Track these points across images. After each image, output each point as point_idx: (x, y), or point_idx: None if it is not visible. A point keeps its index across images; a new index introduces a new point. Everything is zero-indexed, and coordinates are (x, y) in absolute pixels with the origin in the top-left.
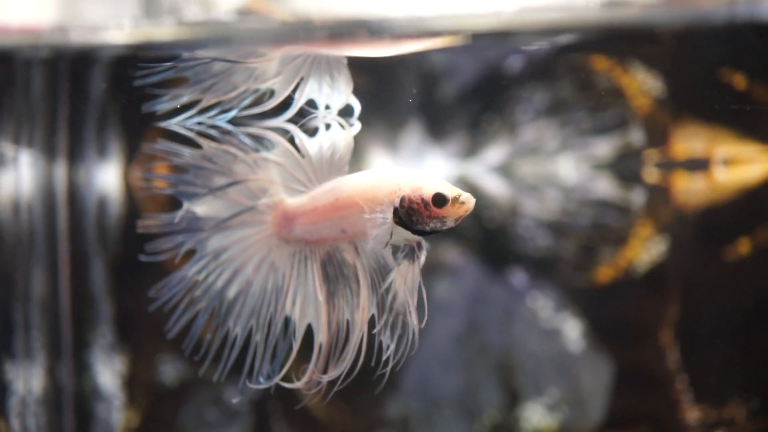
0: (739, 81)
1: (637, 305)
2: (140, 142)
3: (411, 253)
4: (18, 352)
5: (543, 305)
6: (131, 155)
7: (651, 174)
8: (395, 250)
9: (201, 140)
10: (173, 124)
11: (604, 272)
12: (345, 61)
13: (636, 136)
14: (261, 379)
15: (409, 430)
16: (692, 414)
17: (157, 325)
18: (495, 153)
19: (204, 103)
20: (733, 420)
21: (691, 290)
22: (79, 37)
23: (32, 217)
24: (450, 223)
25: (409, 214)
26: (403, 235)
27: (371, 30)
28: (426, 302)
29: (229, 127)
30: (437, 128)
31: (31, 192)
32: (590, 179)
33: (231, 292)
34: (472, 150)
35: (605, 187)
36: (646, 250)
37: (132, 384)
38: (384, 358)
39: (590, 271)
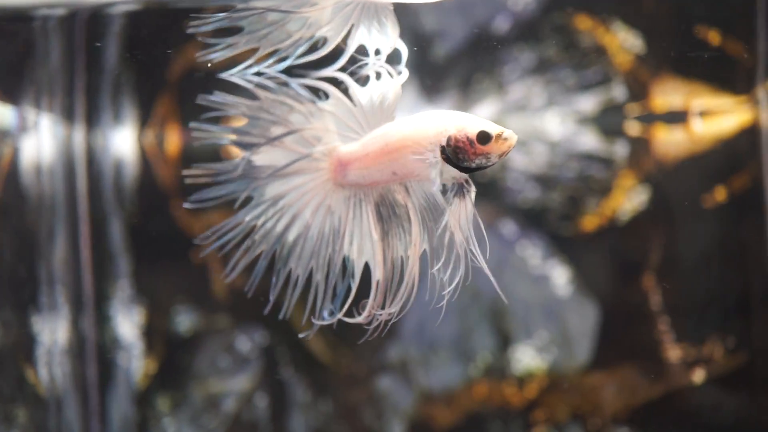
0: (714, 36)
1: (620, 252)
2: (153, 106)
3: (460, 189)
4: (43, 305)
5: (532, 253)
6: (145, 119)
7: (632, 127)
8: (444, 190)
9: (257, 91)
10: (232, 75)
11: (590, 221)
12: (391, 7)
13: (618, 91)
14: (325, 315)
15: (408, 372)
16: (674, 353)
17: (172, 278)
18: (485, 110)
19: (260, 53)
20: (711, 357)
21: (672, 237)
22: None
23: (53, 179)
24: (494, 159)
25: (456, 152)
26: (451, 173)
27: None
28: (485, 234)
29: (285, 78)
30: (430, 87)
31: (51, 156)
32: (575, 133)
33: (291, 236)
34: (463, 108)
35: (589, 140)
36: (629, 199)
37: (150, 334)
38: (443, 292)
39: (576, 220)
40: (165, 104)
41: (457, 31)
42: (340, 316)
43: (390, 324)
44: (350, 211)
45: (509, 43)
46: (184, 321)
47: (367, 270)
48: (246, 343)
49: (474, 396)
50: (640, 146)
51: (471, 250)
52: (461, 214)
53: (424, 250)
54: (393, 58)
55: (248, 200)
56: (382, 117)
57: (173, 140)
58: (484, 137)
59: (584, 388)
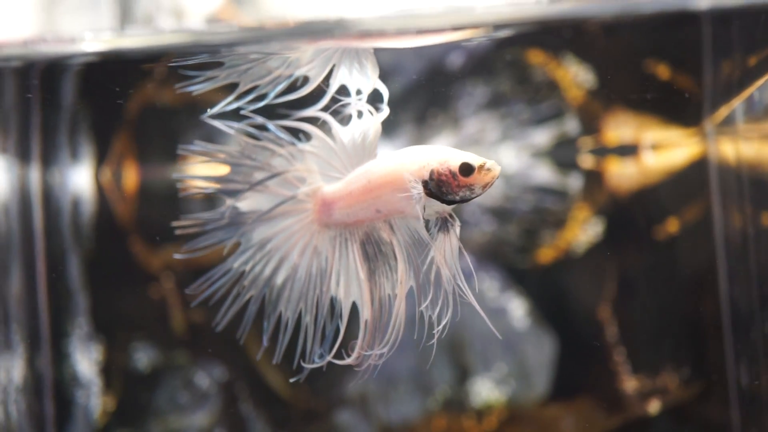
0: (663, 71)
1: (576, 284)
2: (110, 145)
3: (444, 224)
4: None
5: (489, 286)
6: (102, 157)
7: (586, 160)
8: (428, 225)
9: (239, 137)
10: (215, 120)
11: (545, 253)
12: (372, 50)
13: (571, 125)
14: (315, 358)
15: (368, 406)
16: (630, 384)
17: (131, 314)
18: (440, 145)
19: (240, 89)
20: (666, 388)
21: (626, 268)
22: (52, 48)
23: (8, 217)
24: (478, 191)
25: (439, 185)
26: (435, 207)
27: (335, 31)
28: (471, 265)
29: (264, 121)
30: (386, 123)
31: (5, 194)
32: (530, 167)
33: (279, 279)
34: (419, 143)
35: (544, 173)
36: (584, 231)
37: (108, 370)
38: (433, 331)
39: (532, 252)
40: (122, 141)
41: (411, 67)
42: (329, 358)
43: (379, 367)
44: (336, 250)
45: (463, 78)
46: (143, 357)
47: (354, 309)
48: (205, 379)
49: (433, 429)
50: (594, 179)
51: (458, 285)
52: (446, 249)
53: (411, 288)
54: (373, 98)
55: (236, 246)
56: (364, 155)
57: (131, 177)
58: (466, 169)
59: (543, 420)
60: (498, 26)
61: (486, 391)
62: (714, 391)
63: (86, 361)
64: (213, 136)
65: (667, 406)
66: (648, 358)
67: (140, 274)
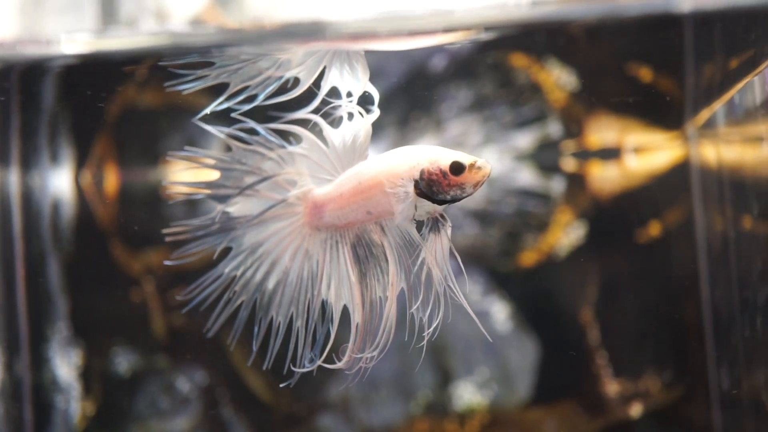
0: (645, 74)
1: (559, 287)
2: (90, 148)
3: (435, 225)
4: None
5: (471, 289)
6: (82, 160)
7: (568, 163)
8: (420, 226)
9: (229, 141)
10: (206, 124)
11: (528, 257)
12: (363, 53)
13: (553, 128)
14: (305, 363)
15: (350, 410)
16: (612, 387)
17: (111, 318)
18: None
19: (230, 89)
20: (648, 391)
21: (608, 271)
22: (30, 50)
23: None
24: (469, 190)
25: (430, 184)
26: (425, 208)
27: (320, 33)
28: (462, 267)
29: (254, 125)
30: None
31: None
32: (513, 170)
33: (270, 283)
34: (402, 146)
35: (527, 176)
36: (566, 235)
37: (88, 375)
38: (423, 333)
39: (515, 256)
40: (102, 144)
41: (394, 69)
42: (320, 362)
43: (368, 370)
44: (327, 253)
45: (446, 81)
46: (123, 362)
47: (346, 313)
48: (186, 383)
49: None
50: (576, 182)
51: (449, 286)
52: (437, 250)
53: (402, 290)
54: (363, 100)
55: (227, 251)
56: (355, 156)
57: (111, 180)
58: (457, 168)
59: (525, 423)
60: (480, 29)
61: (468, 394)
62: (696, 395)
63: (66, 366)
64: (195, 139)
65: (649, 410)
66: (630, 362)
67: (121, 277)
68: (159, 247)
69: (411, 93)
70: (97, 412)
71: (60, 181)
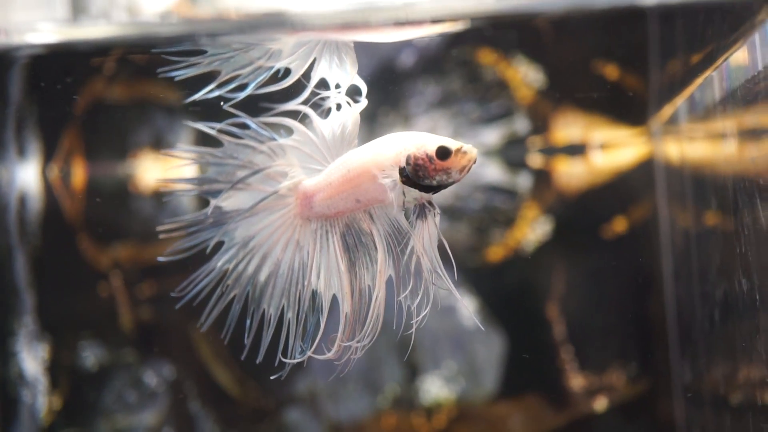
0: (611, 71)
1: (525, 282)
2: (58, 141)
3: (423, 211)
4: None
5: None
6: (49, 154)
7: (535, 160)
8: (408, 214)
9: (219, 137)
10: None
11: (495, 252)
12: (352, 44)
13: (520, 124)
14: (296, 354)
15: (317, 404)
16: (577, 382)
17: (78, 312)
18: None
19: (221, 77)
20: (613, 385)
21: (574, 267)
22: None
23: None
24: (455, 176)
25: (416, 170)
26: (413, 194)
27: (289, 25)
28: (451, 254)
29: (243, 117)
30: None
31: None
32: (480, 166)
33: (262, 276)
34: (370, 140)
35: (494, 172)
36: (533, 230)
37: (55, 369)
38: (411, 320)
39: (482, 251)
40: (70, 138)
41: (362, 64)
42: (310, 353)
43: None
44: (317, 243)
45: (414, 77)
46: (90, 356)
47: (334, 303)
48: (153, 377)
49: (383, 427)
50: (543, 178)
51: (438, 273)
52: (425, 237)
53: (390, 277)
54: (351, 91)
55: (219, 245)
56: (344, 146)
57: (79, 174)
58: (443, 152)
59: (491, 417)
60: (445, 21)
61: (435, 389)
62: (660, 388)
63: (32, 360)
64: (163, 132)
65: (613, 404)
66: (595, 356)
67: (88, 272)
68: (126, 241)
69: (379, 88)
70: (63, 406)
71: (27, 175)
